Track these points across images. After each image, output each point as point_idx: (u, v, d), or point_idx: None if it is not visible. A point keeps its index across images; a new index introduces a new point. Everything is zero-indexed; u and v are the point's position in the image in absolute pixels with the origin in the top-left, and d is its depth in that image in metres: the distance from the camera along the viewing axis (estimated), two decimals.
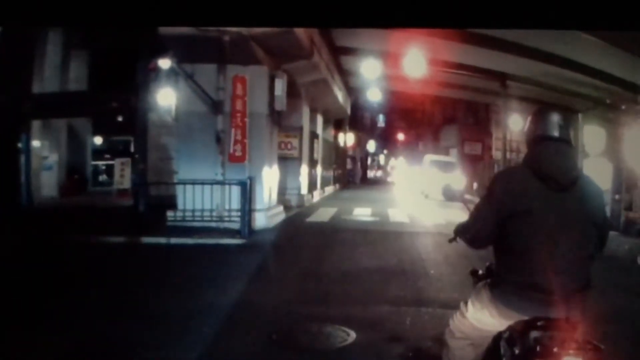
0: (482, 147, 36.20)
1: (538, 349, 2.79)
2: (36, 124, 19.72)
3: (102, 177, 30.20)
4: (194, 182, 12.68)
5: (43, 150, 20.96)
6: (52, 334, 5.66)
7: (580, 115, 22.10)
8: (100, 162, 30.43)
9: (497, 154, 31.72)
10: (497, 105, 27.74)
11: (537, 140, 3.13)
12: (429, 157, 31.94)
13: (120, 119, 25.73)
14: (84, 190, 24.23)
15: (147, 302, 7.00)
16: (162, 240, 11.57)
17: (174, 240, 11.56)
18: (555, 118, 3.12)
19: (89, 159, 27.11)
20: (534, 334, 2.84)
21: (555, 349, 2.74)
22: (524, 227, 2.95)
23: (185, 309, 6.66)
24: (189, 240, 11.59)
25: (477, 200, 3.43)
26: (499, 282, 3.15)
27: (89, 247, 10.84)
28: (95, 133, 28.31)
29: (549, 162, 3.02)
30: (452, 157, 34.94)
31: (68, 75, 22.69)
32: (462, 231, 3.34)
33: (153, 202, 13.86)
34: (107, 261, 9.73)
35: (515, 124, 25.39)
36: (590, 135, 19.63)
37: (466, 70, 20.91)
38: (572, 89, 19.50)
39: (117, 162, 22.58)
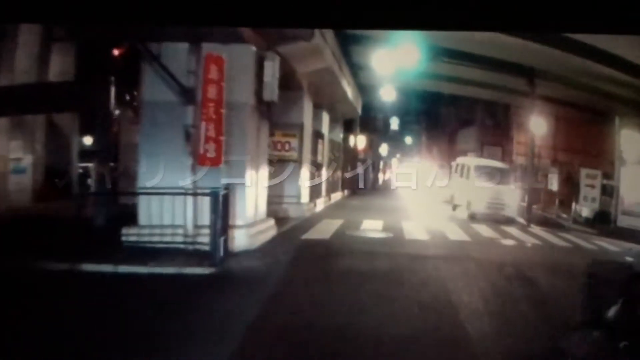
0: (502, 152, 33.74)
1: None
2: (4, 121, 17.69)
3: (90, 181, 27.81)
4: (157, 192, 10.10)
5: (14, 151, 18.90)
6: None
7: (617, 120, 21.23)
8: (90, 164, 28.08)
9: (517, 159, 29.62)
10: (518, 107, 26.51)
11: None
12: (473, 161, 24.24)
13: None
14: (66, 195, 21.80)
15: None
16: (108, 267, 8.90)
17: (122, 269, 8.89)
18: None
19: (75, 161, 24.67)
20: None
21: None
22: None
23: None
24: (142, 269, 8.93)
25: None
26: None
27: (9, 275, 8.05)
28: (83, 132, 25.92)
29: None
30: (499, 161, 26.96)
31: (48, 69, 20.23)
32: None
33: (119, 213, 11.59)
34: (23, 296, 7.08)
35: (539, 127, 22.60)
36: (628, 141, 19.85)
37: (488, 64, 19.03)
38: (608, 89, 18.15)
39: (93, 165, 20.16)
